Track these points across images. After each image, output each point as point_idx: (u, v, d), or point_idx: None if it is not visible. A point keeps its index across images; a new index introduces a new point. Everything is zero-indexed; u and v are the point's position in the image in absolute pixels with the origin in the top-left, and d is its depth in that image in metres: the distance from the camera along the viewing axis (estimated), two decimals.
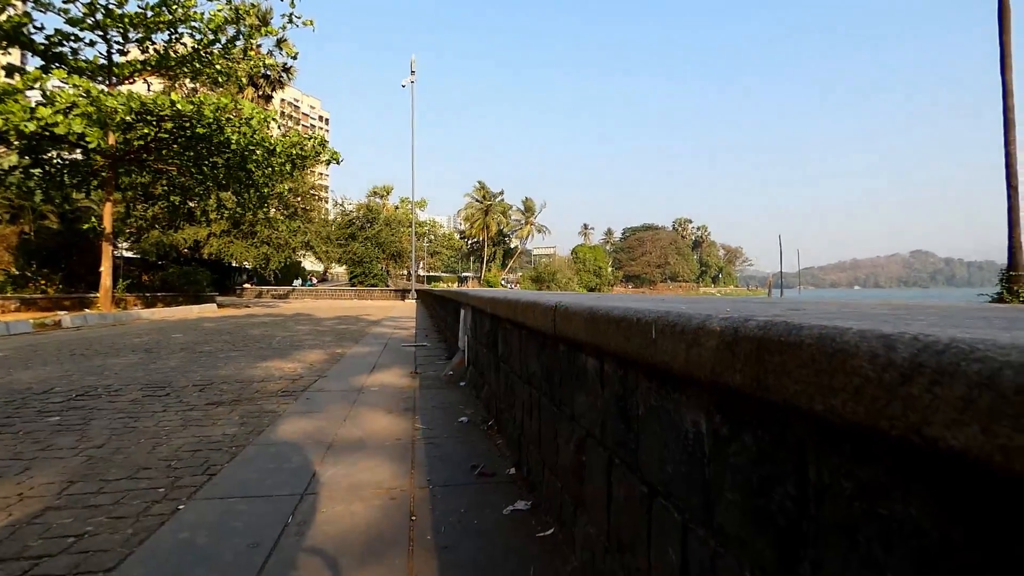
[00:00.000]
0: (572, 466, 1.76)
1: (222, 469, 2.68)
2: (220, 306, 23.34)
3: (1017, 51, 17.61)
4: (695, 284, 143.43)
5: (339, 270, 61.43)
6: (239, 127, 15.45)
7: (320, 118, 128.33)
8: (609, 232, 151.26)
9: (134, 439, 3.24)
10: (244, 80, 17.71)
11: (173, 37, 15.77)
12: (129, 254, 30.79)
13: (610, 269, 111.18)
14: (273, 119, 17.58)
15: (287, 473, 2.61)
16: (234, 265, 41.01)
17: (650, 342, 1.06)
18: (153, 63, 16.27)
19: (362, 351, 7.58)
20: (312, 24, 15.59)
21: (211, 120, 14.70)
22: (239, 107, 15.61)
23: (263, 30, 16.63)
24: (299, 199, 40.07)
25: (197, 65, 16.48)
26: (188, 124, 15.16)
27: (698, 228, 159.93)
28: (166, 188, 19.85)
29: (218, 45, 16.20)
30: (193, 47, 16.12)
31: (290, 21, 15.35)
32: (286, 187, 20.47)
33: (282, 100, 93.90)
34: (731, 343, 0.80)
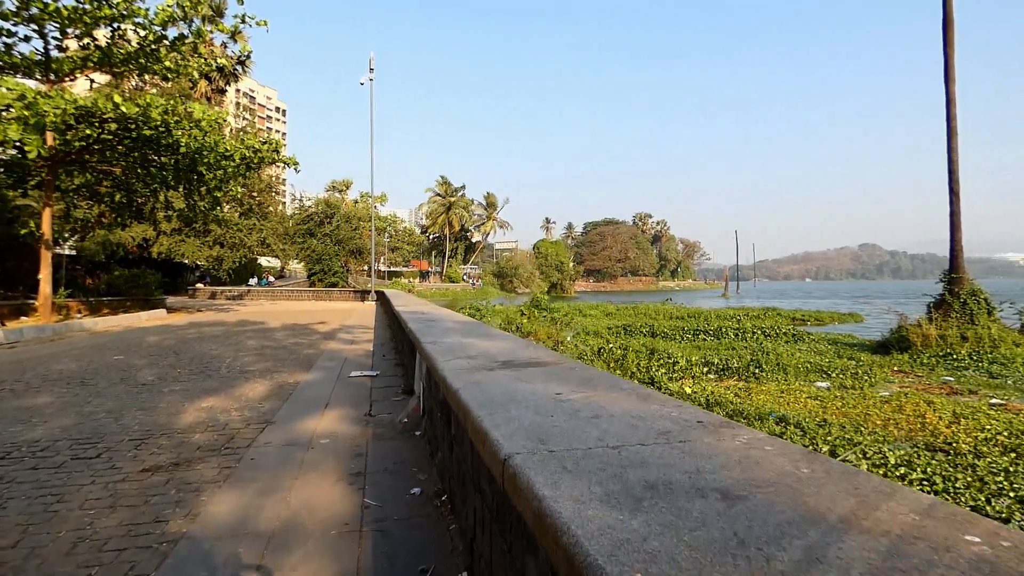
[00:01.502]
0: None
1: None
2: (170, 310, 22.49)
3: (961, 63, 18.20)
4: (654, 278, 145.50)
5: (297, 266, 60.22)
6: (189, 130, 14.83)
7: (277, 109, 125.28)
8: (570, 226, 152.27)
9: (54, 530, 2.98)
10: (196, 76, 16.94)
11: (116, 33, 15.01)
12: (74, 252, 29.48)
13: (571, 264, 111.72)
14: (224, 119, 16.94)
15: None
16: (186, 263, 39.71)
17: None
18: (95, 59, 15.46)
19: (314, 380, 7.31)
20: (266, 24, 15.02)
21: (159, 123, 14.07)
22: (189, 109, 14.96)
23: (214, 27, 16.00)
24: (256, 195, 38.97)
25: (143, 62, 15.73)
26: (134, 126, 14.47)
27: (658, 223, 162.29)
28: (110, 189, 18.98)
29: (166, 42, 15.49)
30: (139, 43, 15.37)
31: (243, 21, 14.76)
32: (238, 189, 19.76)
33: (237, 90, 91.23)
34: None
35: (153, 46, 15.16)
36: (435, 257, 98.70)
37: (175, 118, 14.16)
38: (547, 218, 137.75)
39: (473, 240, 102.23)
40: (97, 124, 14.43)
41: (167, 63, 15.67)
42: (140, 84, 29.17)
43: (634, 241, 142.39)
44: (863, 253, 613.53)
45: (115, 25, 14.82)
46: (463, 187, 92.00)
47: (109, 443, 4.56)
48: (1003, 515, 5.41)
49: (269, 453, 4.29)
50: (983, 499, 5.77)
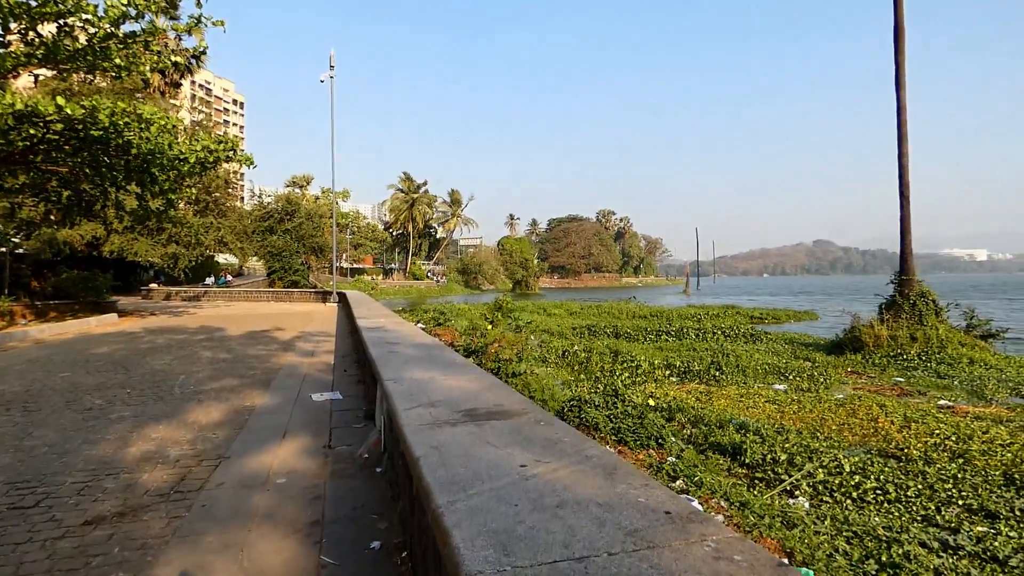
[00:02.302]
0: None
1: None
2: (122, 314, 21.71)
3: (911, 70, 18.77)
4: (618, 275, 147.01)
5: (256, 263, 58.85)
6: (140, 131, 14.24)
7: (234, 102, 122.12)
8: (534, 223, 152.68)
9: None
10: (148, 73, 16.26)
11: (63, 30, 14.30)
12: (19, 250, 28.13)
13: (536, 261, 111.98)
14: (178, 121, 16.31)
15: None
16: (139, 262, 38.34)
17: None
18: (40, 56, 14.71)
19: (271, 404, 7.08)
20: (223, 24, 14.50)
21: (107, 124, 13.47)
22: (138, 110, 14.35)
23: (169, 26, 15.40)
24: (213, 193, 37.80)
25: (92, 59, 15.03)
26: (81, 127, 13.83)
27: (621, 219, 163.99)
28: (58, 188, 18.14)
29: (116, 39, 14.83)
30: (87, 40, 14.69)
31: (198, 22, 14.24)
32: (192, 191, 19.11)
33: (193, 83, 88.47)
34: None
35: (103, 43, 14.51)
36: (398, 253, 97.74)
37: (125, 119, 13.59)
38: (511, 214, 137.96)
39: (437, 236, 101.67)
40: (42, 125, 13.76)
41: (117, 60, 15.01)
42: (90, 78, 27.97)
43: (598, 238, 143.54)
44: (817, 249, 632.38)
45: (61, 21, 14.13)
46: (425, 183, 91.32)
47: (50, 487, 4.31)
48: (952, 524, 5.56)
49: (222, 498, 4.10)
50: (933, 508, 5.93)
